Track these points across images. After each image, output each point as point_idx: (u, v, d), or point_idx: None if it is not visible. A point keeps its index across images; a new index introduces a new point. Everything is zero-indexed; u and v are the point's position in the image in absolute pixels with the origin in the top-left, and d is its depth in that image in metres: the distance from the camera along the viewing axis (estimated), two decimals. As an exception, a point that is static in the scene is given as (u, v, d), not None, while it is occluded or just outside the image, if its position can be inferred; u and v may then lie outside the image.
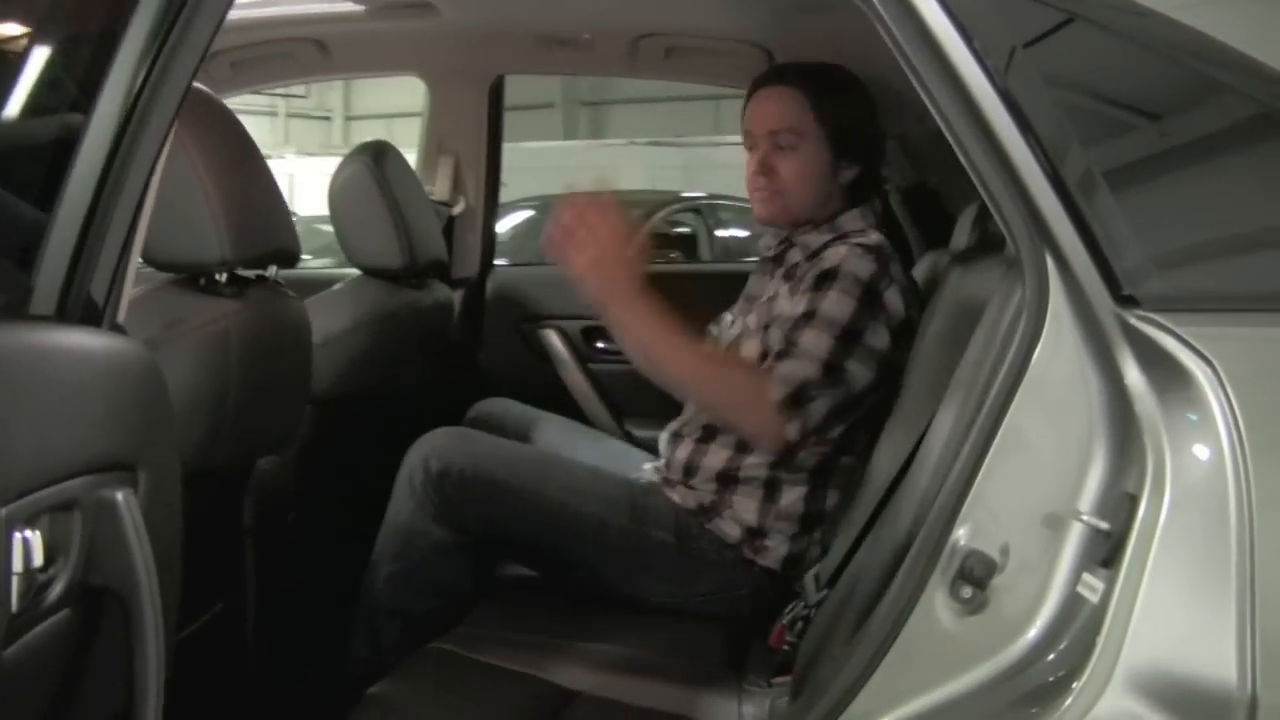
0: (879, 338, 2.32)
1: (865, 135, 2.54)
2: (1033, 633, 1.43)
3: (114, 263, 1.37)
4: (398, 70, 3.60)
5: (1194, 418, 1.39)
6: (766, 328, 2.45)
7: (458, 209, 3.49)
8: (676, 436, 2.59)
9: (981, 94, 1.49)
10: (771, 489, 2.45)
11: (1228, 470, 1.37)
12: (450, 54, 3.42)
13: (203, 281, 1.94)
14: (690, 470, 2.50)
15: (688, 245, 9.77)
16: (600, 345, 3.55)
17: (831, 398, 2.28)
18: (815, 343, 2.28)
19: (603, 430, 3.26)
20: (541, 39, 3.27)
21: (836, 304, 2.30)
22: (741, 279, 2.78)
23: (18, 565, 1.09)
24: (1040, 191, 1.48)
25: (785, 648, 2.16)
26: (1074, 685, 1.38)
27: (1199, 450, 1.39)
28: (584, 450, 2.83)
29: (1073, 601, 1.42)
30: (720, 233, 10.37)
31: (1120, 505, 1.39)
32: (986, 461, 1.49)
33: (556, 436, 2.90)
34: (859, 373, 2.30)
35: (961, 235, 2.58)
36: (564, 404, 3.35)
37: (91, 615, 1.26)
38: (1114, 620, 1.37)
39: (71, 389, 1.24)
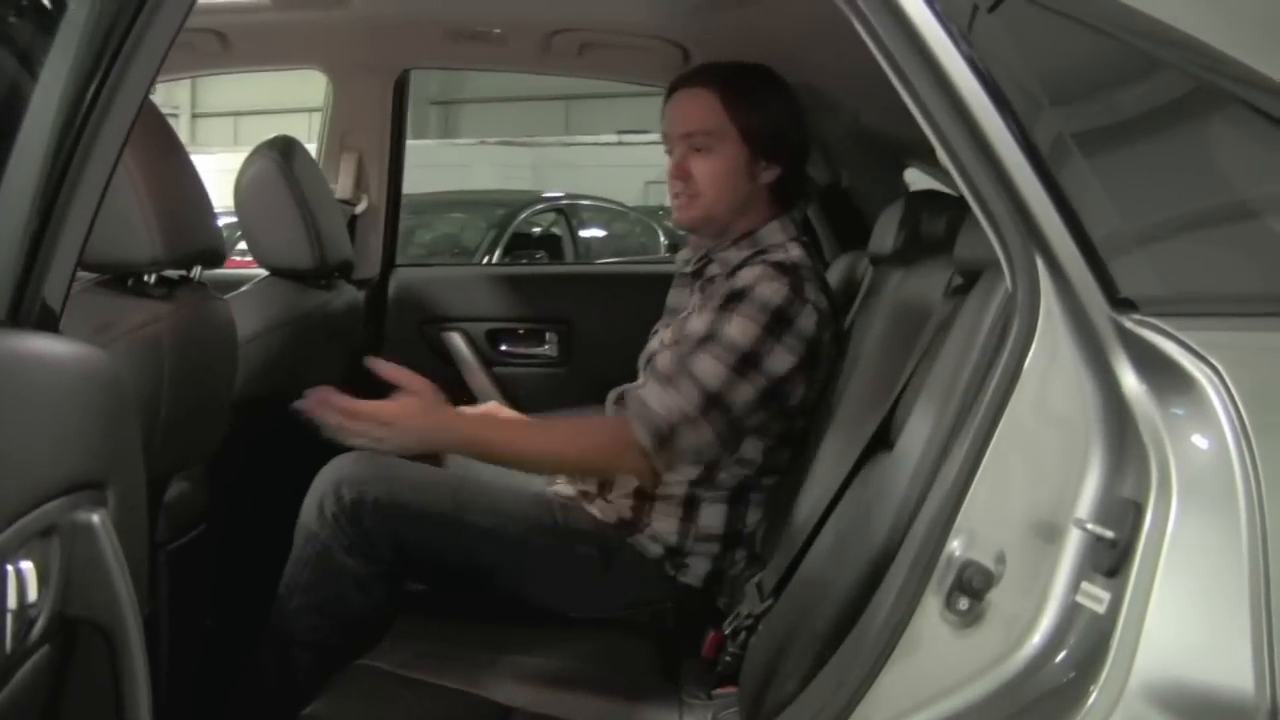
0: (779, 362, 2.29)
1: (785, 136, 2.49)
2: (1035, 642, 1.40)
3: (71, 265, 1.27)
4: (300, 63, 3.47)
5: (1198, 425, 1.37)
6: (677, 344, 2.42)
7: (360, 208, 3.39)
8: None
9: (964, 84, 1.44)
10: (690, 507, 2.42)
11: (1236, 477, 1.35)
12: (355, 47, 3.32)
13: (131, 282, 1.84)
14: (605, 484, 2.47)
15: (553, 246, 9.73)
16: (504, 348, 3.49)
17: (708, 428, 2.25)
18: (706, 370, 2.26)
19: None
20: (450, 33, 3.18)
21: (739, 328, 2.28)
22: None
23: (12, 601, 0.98)
24: (1029, 189, 1.43)
25: (728, 658, 2.12)
26: (1086, 698, 1.34)
27: (1205, 457, 1.36)
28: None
29: (1073, 611, 1.39)
30: (583, 233, 10.36)
31: (1125, 513, 1.36)
32: (980, 470, 1.45)
33: None
34: (748, 399, 2.28)
35: (885, 237, 2.56)
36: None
37: (68, 649, 1.15)
38: (1124, 630, 1.34)
39: (47, 400, 1.13)
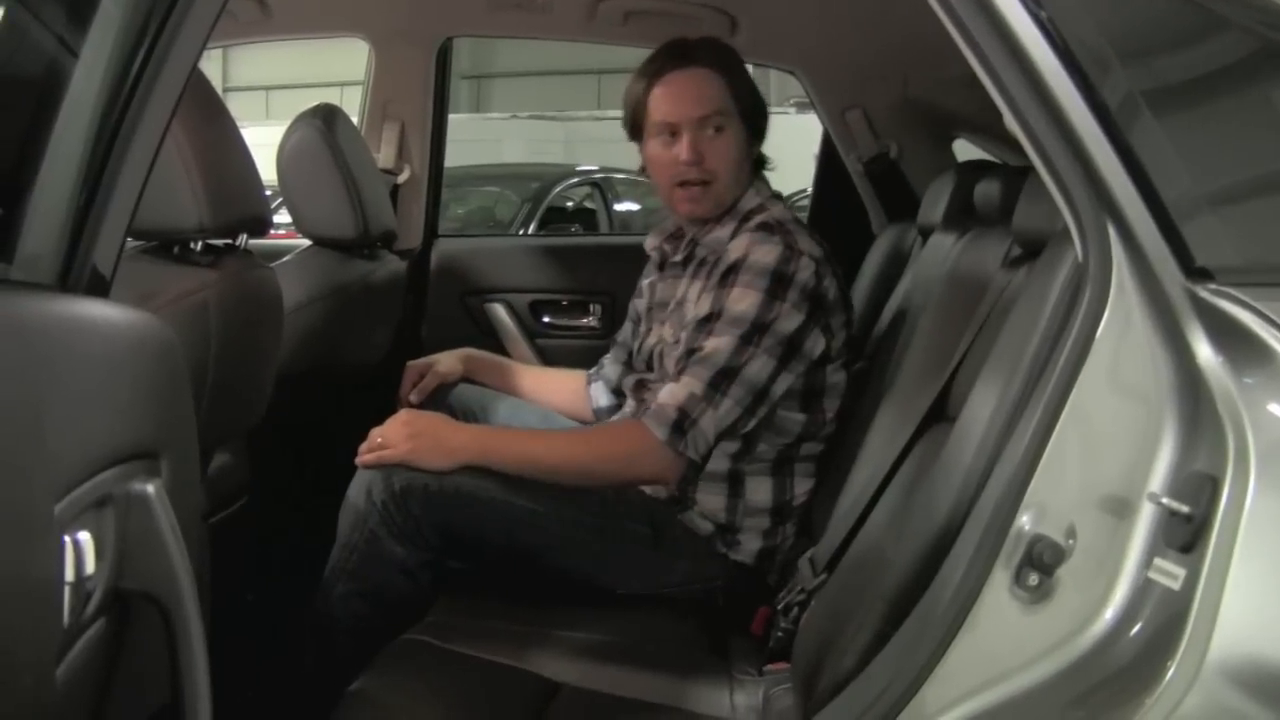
0: (788, 322, 2.28)
1: (764, 115, 2.50)
2: (1107, 618, 1.35)
3: (122, 232, 1.24)
4: (341, 31, 3.44)
5: (1276, 396, 1.33)
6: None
7: (402, 177, 3.36)
8: None
9: (1032, 44, 1.39)
10: (735, 483, 2.41)
11: None
12: (396, 14, 3.29)
13: (176, 250, 1.81)
14: None
15: (587, 219, 9.70)
16: (547, 319, 3.46)
17: (725, 399, 2.24)
18: (713, 348, 2.25)
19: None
20: (494, 0, 3.14)
21: (739, 299, 2.27)
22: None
23: (69, 574, 0.95)
24: (1101, 154, 1.39)
25: (779, 634, 2.09)
26: (1161, 675, 1.31)
27: (1285, 429, 1.32)
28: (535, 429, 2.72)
29: (1146, 587, 1.35)
30: (617, 206, 10.31)
31: (1200, 487, 1.32)
32: (1049, 443, 1.41)
33: (506, 416, 2.79)
34: (767, 366, 2.26)
35: (935, 208, 2.53)
36: (511, 380, 3.24)
37: (120, 625, 1.13)
38: (1201, 607, 1.30)
39: (100, 367, 1.11)
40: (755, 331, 2.25)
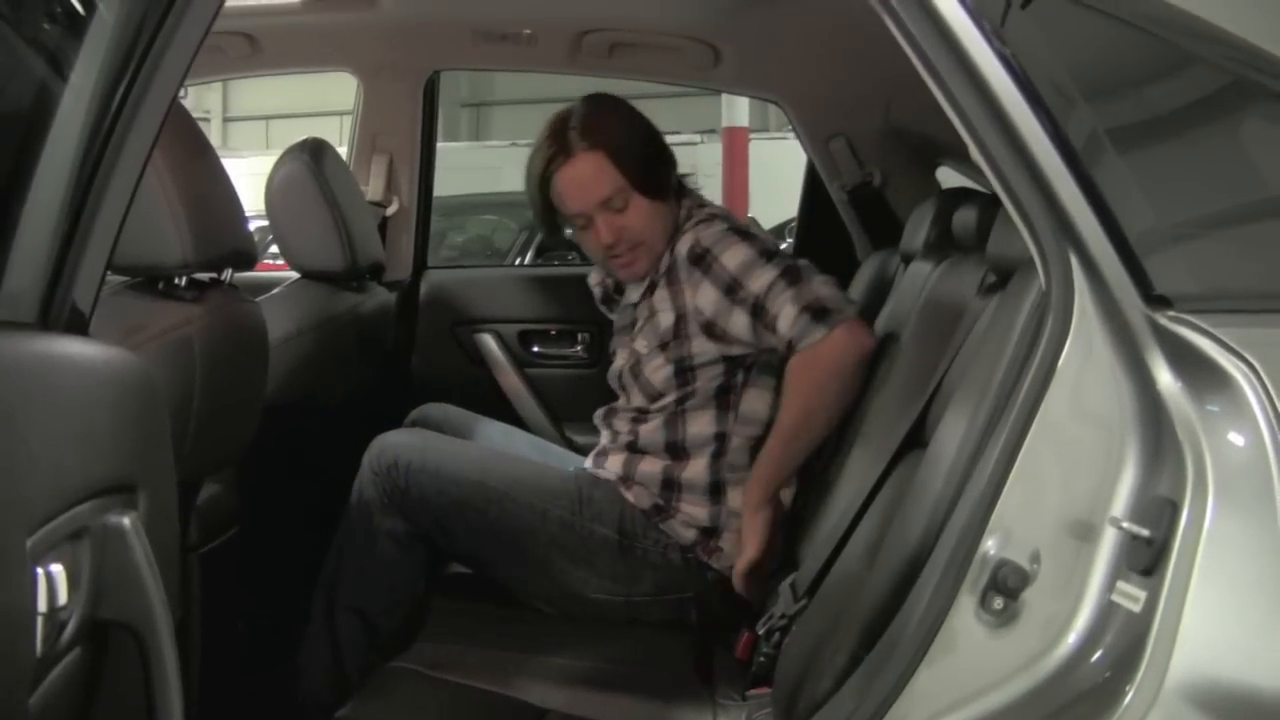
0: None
1: (662, 159, 2.54)
2: (1070, 642, 1.39)
3: (100, 268, 1.27)
4: (329, 65, 3.47)
5: (1234, 422, 1.36)
6: (665, 346, 2.45)
7: (391, 209, 3.39)
8: (601, 455, 2.57)
9: (997, 81, 1.43)
10: (716, 493, 2.44)
11: (1273, 474, 1.34)
12: (384, 48, 3.31)
13: (161, 285, 1.84)
14: (629, 478, 2.47)
15: (585, 246, 9.70)
16: (536, 349, 3.48)
17: (815, 276, 2.35)
18: (760, 282, 2.32)
19: (541, 435, 3.18)
20: (480, 34, 3.18)
21: (733, 255, 2.36)
22: None
23: (43, 604, 0.98)
24: (1063, 186, 1.42)
25: (761, 659, 2.11)
26: (1122, 698, 1.33)
27: (1242, 454, 1.35)
28: (525, 454, 2.76)
29: (1109, 610, 1.38)
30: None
31: (1161, 511, 1.35)
32: (1015, 469, 1.44)
33: (498, 441, 2.83)
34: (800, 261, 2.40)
35: (917, 235, 2.55)
36: (500, 409, 3.26)
37: (97, 654, 1.15)
38: (1161, 630, 1.33)
39: (77, 403, 1.13)
40: (767, 255, 2.35)
